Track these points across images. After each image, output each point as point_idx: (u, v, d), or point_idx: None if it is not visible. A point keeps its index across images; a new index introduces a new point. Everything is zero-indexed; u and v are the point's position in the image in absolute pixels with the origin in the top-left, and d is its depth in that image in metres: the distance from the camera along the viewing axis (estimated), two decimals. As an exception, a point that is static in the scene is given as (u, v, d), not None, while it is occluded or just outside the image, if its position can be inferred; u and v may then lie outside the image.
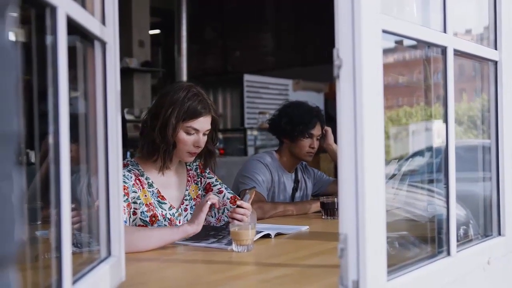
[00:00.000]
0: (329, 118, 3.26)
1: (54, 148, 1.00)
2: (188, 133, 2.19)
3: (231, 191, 2.42)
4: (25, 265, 1.11)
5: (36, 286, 1.12)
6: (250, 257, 1.82)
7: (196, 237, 2.06)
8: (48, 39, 1.01)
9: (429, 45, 1.55)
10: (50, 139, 1.01)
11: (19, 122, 0.58)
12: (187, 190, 2.35)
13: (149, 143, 2.20)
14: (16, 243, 0.58)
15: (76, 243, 1.33)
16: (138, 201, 2.15)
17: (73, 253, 1.08)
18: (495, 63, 1.80)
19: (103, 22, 1.35)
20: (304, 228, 2.36)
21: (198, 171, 2.42)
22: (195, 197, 2.37)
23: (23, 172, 0.63)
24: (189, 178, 2.38)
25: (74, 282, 1.10)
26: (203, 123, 2.21)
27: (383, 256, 1.21)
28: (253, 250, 1.88)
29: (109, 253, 1.37)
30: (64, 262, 1.01)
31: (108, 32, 1.36)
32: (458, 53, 1.57)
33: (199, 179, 2.41)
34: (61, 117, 1.01)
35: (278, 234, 2.19)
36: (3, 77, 0.55)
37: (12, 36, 0.58)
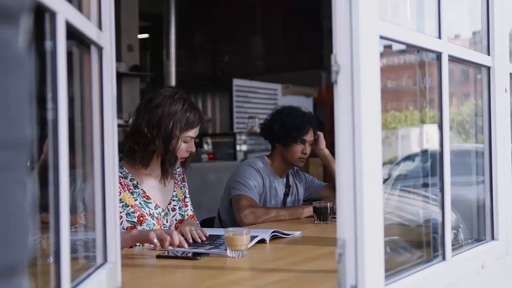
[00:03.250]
0: (319, 122, 3.26)
1: (53, 153, 1.00)
2: (185, 142, 2.30)
3: (193, 209, 2.53)
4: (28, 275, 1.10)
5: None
6: (245, 262, 1.82)
7: (192, 245, 2.05)
8: (47, 44, 1.01)
9: (425, 50, 1.57)
10: (49, 145, 1.00)
11: (31, 129, 0.58)
12: (174, 191, 2.44)
13: (150, 154, 2.26)
14: (28, 251, 0.58)
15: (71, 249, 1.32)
16: (121, 204, 2.20)
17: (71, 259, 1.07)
18: (488, 68, 1.82)
19: (100, 27, 1.34)
20: (297, 233, 2.36)
21: (180, 178, 2.52)
22: (181, 199, 2.47)
23: (35, 179, 0.63)
24: (176, 181, 2.47)
25: (72, 288, 1.09)
26: (197, 131, 2.35)
27: (381, 261, 1.22)
28: (247, 256, 1.87)
29: (105, 259, 1.36)
30: (62, 268, 1.01)
31: (105, 37, 1.36)
32: (452, 59, 1.59)
33: (182, 185, 2.52)
34: (60, 122, 1.00)
35: (273, 237, 2.19)
36: (17, 85, 0.55)
37: (25, 43, 0.58)
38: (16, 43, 0.56)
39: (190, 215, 2.48)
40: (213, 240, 2.14)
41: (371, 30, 1.19)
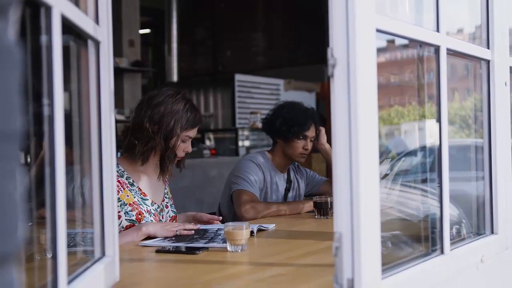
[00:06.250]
0: (321, 118, 3.26)
1: (49, 149, 1.00)
2: (183, 141, 2.33)
3: (175, 210, 2.52)
4: (19, 265, 1.11)
5: (31, 287, 1.11)
6: (244, 256, 1.82)
7: (184, 240, 2.05)
8: (43, 38, 1.01)
9: (423, 44, 1.56)
10: (45, 140, 1.00)
11: (21, 121, 0.58)
12: (165, 189, 2.48)
13: (150, 150, 2.29)
14: (19, 241, 0.58)
15: (69, 244, 1.32)
16: (119, 203, 2.22)
17: (67, 253, 1.07)
18: (488, 62, 1.81)
19: (97, 21, 1.34)
20: (272, 226, 2.38)
21: (167, 177, 2.54)
22: (171, 197, 2.52)
23: (25, 171, 0.63)
24: (166, 180, 2.51)
25: (69, 282, 1.09)
26: (196, 131, 2.39)
27: (378, 254, 1.22)
28: (247, 250, 1.87)
29: (103, 253, 1.37)
30: (59, 262, 1.01)
31: (102, 31, 1.36)
32: (450, 52, 1.58)
33: (168, 184, 2.56)
34: (56, 118, 1.00)
35: (259, 230, 2.24)
36: (6, 76, 0.55)
37: (14, 36, 0.58)
38: (5, 36, 0.56)
39: (172, 216, 2.48)
40: (202, 234, 2.14)
41: (368, 24, 1.19)
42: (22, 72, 0.58)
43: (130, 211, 2.24)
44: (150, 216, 2.30)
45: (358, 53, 1.15)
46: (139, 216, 2.25)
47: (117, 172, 2.27)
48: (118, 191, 2.22)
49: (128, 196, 2.27)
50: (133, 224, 2.22)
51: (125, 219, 2.23)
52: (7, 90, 0.55)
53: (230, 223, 1.96)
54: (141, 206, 2.28)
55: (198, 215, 2.49)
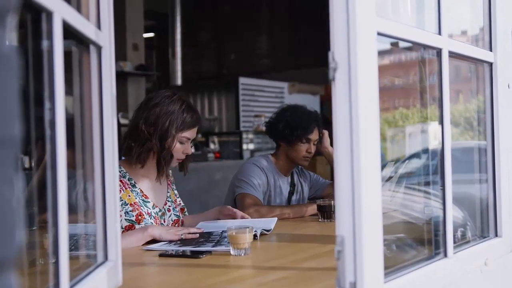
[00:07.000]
0: (325, 121, 3.25)
1: (51, 153, 1.00)
2: (181, 143, 2.33)
3: (178, 214, 2.52)
4: (22, 270, 1.11)
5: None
6: (247, 260, 1.82)
7: (189, 244, 2.04)
8: (44, 43, 1.01)
9: (424, 47, 1.56)
10: (47, 144, 1.00)
11: (19, 127, 0.59)
12: (168, 192, 2.48)
13: (146, 151, 2.29)
14: (17, 247, 0.58)
15: (72, 247, 1.33)
16: (120, 202, 2.22)
17: (70, 258, 1.07)
18: (490, 64, 1.81)
19: (99, 26, 1.35)
20: (274, 221, 2.41)
21: (172, 180, 2.56)
22: (174, 200, 2.50)
23: (23, 177, 0.63)
24: (169, 182, 2.51)
25: (71, 286, 1.10)
26: (195, 132, 2.38)
27: (380, 258, 1.21)
28: (250, 254, 1.87)
29: (106, 258, 1.37)
30: (61, 266, 1.01)
31: (104, 36, 1.36)
32: (453, 55, 1.58)
33: (174, 186, 2.56)
34: (57, 122, 1.01)
35: (262, 234, 2.24)
36: (4, 82, 0.56)
37: (12, 42, 0.59)
38: (3, 42, 0.56)
39: (174, 219, 2.48)
40: (207, 238, 2.14)
41: (368, 27, 1.19)
42: (24, 77, 0.59)
43: (130, 211, 2.24)
44: (150, 218, 2.29)
45: (359, 56, 1.16)
46: (139, 217, 2.25)
47: (120, 172, 2.28)
48: (120, 190, 2.22)
49: (129, 196, 2.27)
50: (132, 225, 2.22)
51: (125, 219, 2.23)
52: (5, 96, 0.55)
53: (233, 227, 1.95)
54: (142, 207, 2.28)
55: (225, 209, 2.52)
